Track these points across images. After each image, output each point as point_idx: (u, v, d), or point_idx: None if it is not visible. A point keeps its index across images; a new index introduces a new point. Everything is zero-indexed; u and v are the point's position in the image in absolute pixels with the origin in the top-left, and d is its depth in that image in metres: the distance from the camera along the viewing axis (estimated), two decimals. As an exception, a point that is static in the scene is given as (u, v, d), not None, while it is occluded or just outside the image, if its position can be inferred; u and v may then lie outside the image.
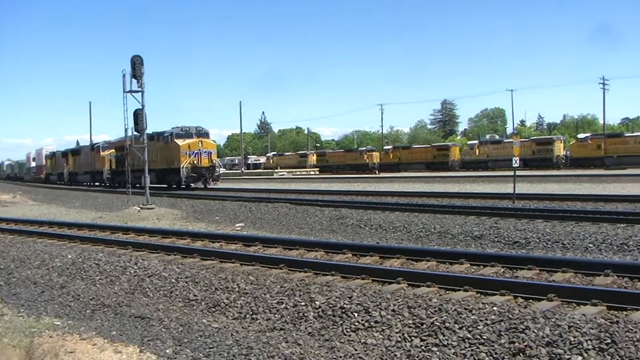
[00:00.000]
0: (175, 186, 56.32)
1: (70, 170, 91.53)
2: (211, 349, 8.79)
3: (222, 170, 73.30)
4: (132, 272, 14.81)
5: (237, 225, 26.20)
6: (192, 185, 54.72)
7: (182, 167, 53.04)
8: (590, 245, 16.56)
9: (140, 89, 35.88)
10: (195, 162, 53.64)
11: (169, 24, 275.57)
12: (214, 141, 59.56)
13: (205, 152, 54.44)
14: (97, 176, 78.11)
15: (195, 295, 12.17)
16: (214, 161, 56.05)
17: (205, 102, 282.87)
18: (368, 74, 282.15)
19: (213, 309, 11.25)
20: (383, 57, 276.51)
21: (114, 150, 69.97)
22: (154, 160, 52.62)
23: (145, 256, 17.17)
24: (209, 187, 54.38)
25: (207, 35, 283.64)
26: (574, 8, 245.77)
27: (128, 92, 36.71)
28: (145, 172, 37.97)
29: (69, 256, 17.62)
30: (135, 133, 46.33)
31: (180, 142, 54.27)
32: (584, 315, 8.76)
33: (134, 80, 35.80)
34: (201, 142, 54.53)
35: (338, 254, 15.71)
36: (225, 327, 9.98)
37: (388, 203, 29.16)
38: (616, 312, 9.27)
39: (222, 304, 11.39)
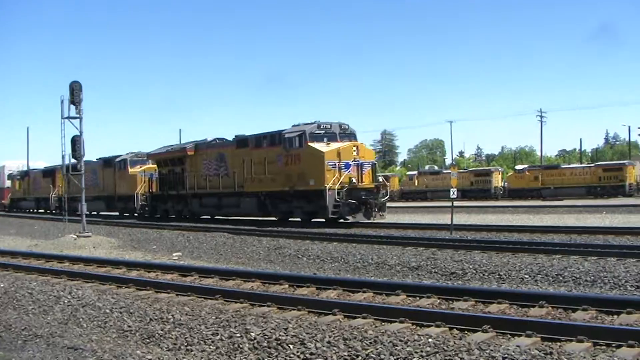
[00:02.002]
0: (318, 220, 36.65)
1: (60, 194, 67.31)
2: (144, 381, 8.69)
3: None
4: (66, 301, 14.60)
5: (174, 254, 26.03)
6: (349, 218, 35.29)
7: (327, 190, 34.11)
8: (527, 276, 16.69)
9: (78, 116, 35.46)
10: (352, 180, 34.99)
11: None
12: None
13: (366, 164, 36.19)
14: (118, 203, 58.66)
15: (129, 326, 12.01)
16: (379, 179, 37.87)
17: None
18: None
19: (147, 340, 11.11)
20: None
21: (153, 167, 53.02)
22: (260, 180, 39.43)
23: (80, 285, 16.99)
24: (373, 220, 35.65)
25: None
26: (512, 41, 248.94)
27: (66, 118, 36.24)
28: (82, 199, 37.58)
29: (1, 285, 17.36)
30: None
31: (320, 147, 35.61)
32: (518, 346, 8.85)
33: (73, 107, 35.39)
34: (356, 147, 36.01)
35: (275, 285, 15.68)
36: (159, 358, 9.86)
37: (326, 233, 29.16)
38: (550, 343, 9.31)
39: (157, 335, 11.25)
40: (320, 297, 13.95)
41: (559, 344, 9.24)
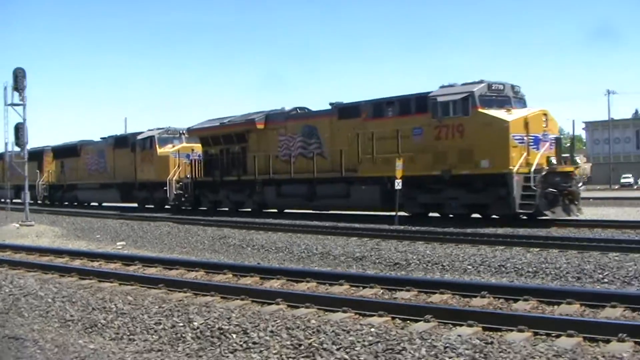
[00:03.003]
0: (499, 216, 27.48)
1: (55, 182, 61.45)
2: (86, 371, 8.63)
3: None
4: (7, 290, 14.40)
5: (118, 244, 25.87)
6: (547, 214, 26.17)
7: (514, 175, 25.34)
8: (469, 267, 16.82)
9: (22, 102, 35.15)
10: (551, 160, 26.29)
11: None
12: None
13: (552, 138, 27.29)
14: (140, 192, 48.35)
15: (71, 316, 11.90)
16: (576, 159, 28.96)
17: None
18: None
19: (90, 330, 11.01)
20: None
21: (192, 146, 43.84)
22: (385, 161, 29.61)
23: (22, 275, 16.78)
24: (574, 217, 26.88)
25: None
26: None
27: (9, 105, 35.88)
28: (25, 187, 37.29)
29: (-61, 275, 17.11)
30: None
31: (500, 115, 26.64)
32: (459, 336, 8.89)
33: (16, 93, 35.03)
34: (545, 116, 27.29)
35: (219, 274, 15.70)
36: (101, 348, 9.78)
37: (271, 223, 29.15)
38: (491, 332, 9.38)
39: (99, 324, 11.16)
40: (263, 287, 13.95)
41: (499, 333, 9.31)
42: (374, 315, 10.59)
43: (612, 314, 10.44)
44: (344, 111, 32.98)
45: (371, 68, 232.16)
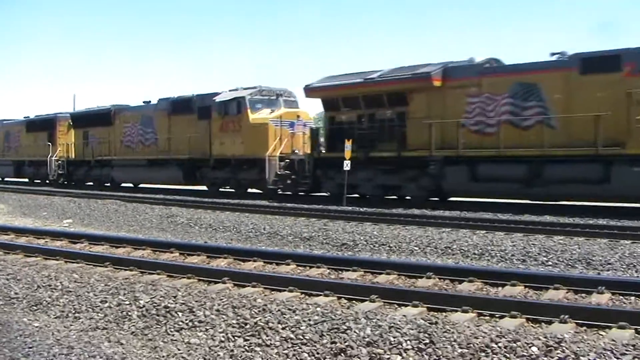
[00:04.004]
0: None
1: (76, 157, 50.01)
2: (30, 349, 8.57)
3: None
4: (-51, 268, 14.27)
5: (65, 221, 25.68)
6: None
7: None
8: (416, 248, 16.95)
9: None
10: None
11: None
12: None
13: None
14: (214, 172, 37.78)
15: (16, 293, 11.79)
16: None
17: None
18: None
19: (35, 308, 10.94)
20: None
21: (300, 114, 35.94)
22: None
23: (-35, 252, 16.60)
24: None
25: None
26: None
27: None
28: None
29: None
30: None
31: None
32: (404, 316, 8.97)
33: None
34: None
35: (165, 253, 15.65)
36: (46, 326, 9.74)
37: (219, 202, 29.15)
38: (436, 313, 9.50)
39: (45, 302, 11.09)
40: (210, 266, 13.97)
41: (444, 314, 9.44)
42: (320, 295, 10.66)
43: (555, 295, 10.59)
44: (591, 63, 24.30)
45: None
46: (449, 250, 16.46)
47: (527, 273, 12.42)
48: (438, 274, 12.09)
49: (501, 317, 9.15)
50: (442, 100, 27.68)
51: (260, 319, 9.00)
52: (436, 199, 28.35)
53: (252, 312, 9.33)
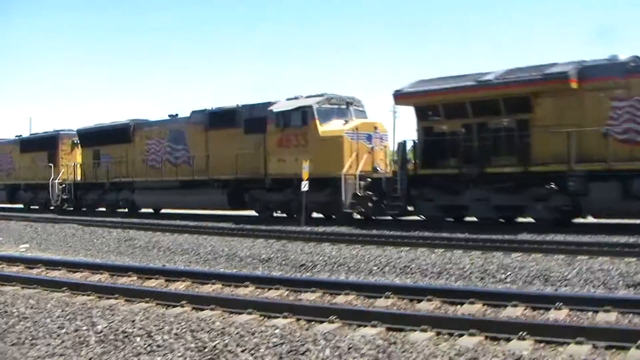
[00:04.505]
0: None
1: (83, 179, 44.18)
2: (-14, 377, 8.48)
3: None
4: None
5: (21, 246, 25.46)
6: None
7: None
8: (375, 267, 17.00)
9: None
10: None
11: None
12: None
13: None
14: (273, 194, 31.80)
15: (-30, 321, 11.68)
16: None
17: None
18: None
19: (-10, 335, 10.83)
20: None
21: (377, 125, 30.92)
22: None
23: None
24: None
25: None
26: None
27: None
28: None
29: None
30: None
31: None
32: (363, 336, 8.99)
33: None
34: None
35: (123, 277, 15.58)
36: (2, 353, 9.62)
37: (178, 225, 29.03)
38: (395, 332, 9.50)
39: (0, 329, 10.99)
40: (168, 289, 13.93)
41: (403, 333, 9.43)
42: (278, 317, 10.62)
43: (513, 313, 10.65)
44: None
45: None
46: (408, 269, 16.52)
47: (485, 291, 12.55)
48: (397, 293, 12.13)
49: (460, 335, 9.17)
50: (579, 104, 23.58)
51: (219, 342, 8.96)
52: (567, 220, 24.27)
53: (211, 336, 9.29)
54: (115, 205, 41.31)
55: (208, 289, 13.85)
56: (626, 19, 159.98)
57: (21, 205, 49.90)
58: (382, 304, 11.73)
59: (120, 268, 16.58)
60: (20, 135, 52.30)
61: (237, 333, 9.30)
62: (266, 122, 31.28)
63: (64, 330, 10.37)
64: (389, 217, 28.27)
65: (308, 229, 25.99)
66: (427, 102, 27.11)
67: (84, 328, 10.32)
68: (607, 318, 10.11)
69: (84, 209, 43.21)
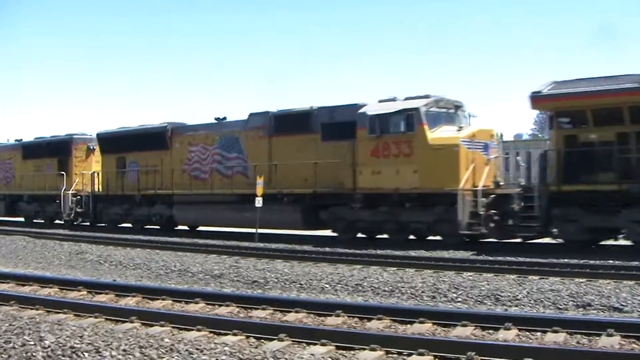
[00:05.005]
0: None
1: (105, 191, 38.79)
2: None
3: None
4: None
5: (-31, 258, 25.17)
6: None
7: None
8: (327, 285, 16.97)
9: None
10: None
11: None
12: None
13: None
14: (356, 212, 27.37)
15: None
16: None
17: None
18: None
19: None
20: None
21: (492, 132, 27.29)
22: None
23: None
24: None
25: None
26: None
27: None
28: None
29: None
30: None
31: None
32: (312, 355, 9.00)
33: None
34: None
35: (73, 291, 15.47)
36: (-56, 369, 9.52)
37: (129, 239, 28.83)
38: (344, 351, 9.50)
39: (-57, 344, 10.84)
40: (118, 305, 13.83)
41: (352, 352, 9.44)
42: (228, 334, 10.57)
43: (463, 332, 10.70)
44: None
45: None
46: (360, 288, 16.52)
47: (435, 310, 12.60)
48: (347, 312, 12.14)
49: (409, 355, 9.18)
50: None
51: (167, 359, 8.92)
52: None
53: (159, 352, 9.23)
54: (146, 222, 36.52)
55: (158, 304, 13.77)
56: None
57: (22, 219, 44.64)
58: (332, 322, 11.73)
59: (70, 282, 16.47)
60: (22, 140, 46.64)
61: (186, 350, 9.24)
62: (355, 127, 27.08)
63: (10, 345, 10.24)
64: (518, 240, 24.61)
65: (261, 245, 25.95)
66: (571, 107, 23.24)
67: (32, 343, 10.19)
68: (556, 339, 10.17)
69: (104, 225, 38.26)
